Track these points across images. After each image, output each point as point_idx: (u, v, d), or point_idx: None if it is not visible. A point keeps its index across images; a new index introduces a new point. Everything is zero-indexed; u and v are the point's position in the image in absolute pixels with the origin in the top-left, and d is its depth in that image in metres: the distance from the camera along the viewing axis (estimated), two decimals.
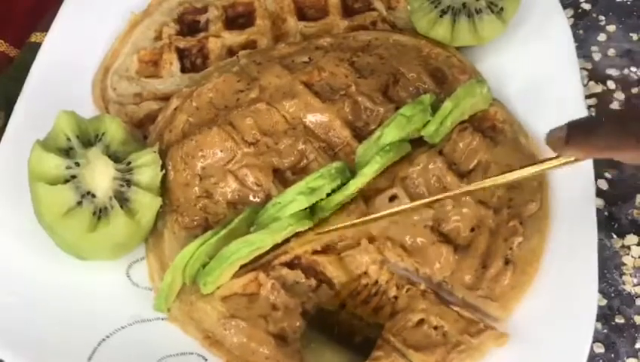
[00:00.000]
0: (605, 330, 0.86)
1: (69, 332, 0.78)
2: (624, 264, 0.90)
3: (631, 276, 0.90)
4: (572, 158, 0.69)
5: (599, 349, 0.84)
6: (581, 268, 0.80)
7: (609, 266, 0.90)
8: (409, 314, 0.77)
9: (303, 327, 0.76)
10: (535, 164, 0.74)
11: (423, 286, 0.79)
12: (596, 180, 0.89)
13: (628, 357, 0.84)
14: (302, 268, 0.80)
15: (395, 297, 0.79)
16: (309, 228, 0.81)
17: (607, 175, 0.97)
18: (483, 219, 0.82)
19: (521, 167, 0.75)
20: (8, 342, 0.77)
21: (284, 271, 0.79)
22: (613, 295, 0.88)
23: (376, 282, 0.80)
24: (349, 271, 0.80)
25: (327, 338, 0.74)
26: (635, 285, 0.89)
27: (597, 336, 0.85)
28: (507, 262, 0.80)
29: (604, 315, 0.86)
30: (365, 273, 0.81)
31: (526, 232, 0.82)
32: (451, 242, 0.81)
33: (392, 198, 0.82)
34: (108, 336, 0.78)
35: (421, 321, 0.77)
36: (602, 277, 0.88)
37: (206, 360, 0.77)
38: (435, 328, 0.77)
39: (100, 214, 0.79)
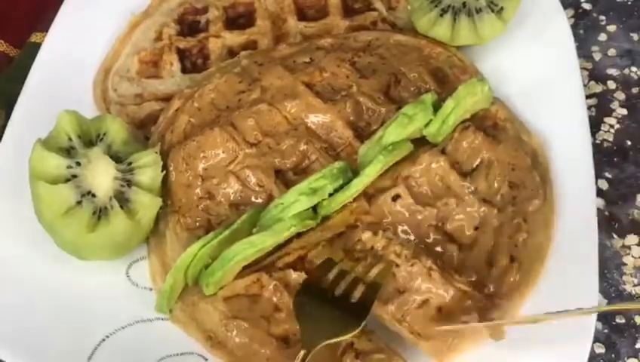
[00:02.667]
0: (606, 330, 0.86)
1: (69, 332, 0.78)
2: (624, 264, 0.90)
3: (631, 276, 0.90)
4: None
5: (600, 349, 0.84)
6: (581, 268, 0.80)
7: (609, 266, 0.90)
8: (413, 294, 0.77)
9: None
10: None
11: (429, 264, 0.78)
12: (596, 180, 0.89)
13: (628, 357, 0.84)
14: (306, 271, 0.80)
15: (397, 265, 0.78)
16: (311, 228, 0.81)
17: (608, 175, 0.97)
18: (487, 218, 0.82)
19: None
20: (8, 341, 0.77)
21: (288, 272, 0.79)
22: (613, 295, 0.88)
23: (372, 248, 0.80)
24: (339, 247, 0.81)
25: (322, 301, 0.74)
26: (635, 285, 0.89)
27: (597, 336, 0.85)
28: (512, 259, 0.80)
29: (604, 315, 0.86)
30: (359, 240, 0.80)
31: (530, 228, 0.82)
32: (455, 241, 0.81)
33: (395, 198, 0.82)
34: (108, 336, 0.78)
35: (425, 301, 0.77)
36: (603, 277, 0.89)
37: (206, 360, 0.77)
38: (439, 310, 0.76)
39: (100, 214, 0.79)
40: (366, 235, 0.80)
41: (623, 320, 0.86)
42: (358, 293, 0.76)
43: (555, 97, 0.93)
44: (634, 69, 1.07)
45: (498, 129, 0.89)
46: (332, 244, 0.81)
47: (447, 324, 0.75)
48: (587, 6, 1.14)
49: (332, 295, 0.76)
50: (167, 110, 0.92)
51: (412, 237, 0.82)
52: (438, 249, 0.81)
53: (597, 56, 1.08)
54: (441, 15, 0.95)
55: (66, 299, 0.80)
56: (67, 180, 0.79)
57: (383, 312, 0.77)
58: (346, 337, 0.73)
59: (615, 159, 0.99)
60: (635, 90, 1.05)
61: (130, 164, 0.82)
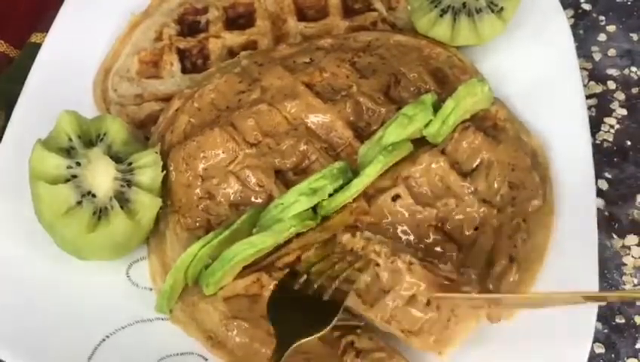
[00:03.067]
0: (606, 330, 0.86)
1: (69, 332, 0.78)
2: (624, 264, 0.91)
3: (631, 276, 0.90)
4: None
5: (599, 349, 0.84)
6: (581, 268, 0.80)
7: (609, 266, 0.90)
8: (398, 292, 0.75)
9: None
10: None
11: (408, 258, 0.76)
12: (596, 180, 0.89)
13: (628, 357, 0.84)
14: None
15: (376, 264, 0.77)
16: (311, 228, 0.81)
17: (608, 175, 0.97)
18: (487, 218, 0.82)
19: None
20: (8, 341, 0.77)
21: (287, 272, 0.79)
22: None
23: (352, 250, 0.79)
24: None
25: (295, 303, 0.74)
26: (635, 285, 0.89)
27: (597, 336, 0.85)
28: (511, 259, 0.80)
29: (604, 315, 0.86)
30: (339, 243, 0.80)
31: (530, 229, 0.82)
32: (455, 241, 0.81)
33: (395, 198, 0.82)
34: (108, 336, 0.78)
35: (412, 297, 0.75)
36: (603, 277, 0.89)
37: (206, 360, 0.77)
38: (428, 303, 0.75)
39: (100, 214, 0.79)
40: (345, 237, 0.80)
41: (623, 320, 0.86)
42: (329, 291, 0.75)
43: (555, 97, 0.93)
44: (634, 69, 1.07)
45: (498, 129, 0.89)
46: (326, 246, 0.81)
47: (447, 296, 0.75)
48: (587, 6, 1.14)
49: (305, 295, 0.75)
50: (167, 110, 0.93)
51: (412, 237, 0.82)
52: (438, 249, 0.81)
53: (597, 57, 1.08)
54: (441, 15, 0.95)
55: (66, 299, 0.80)
56: (67, 180, 0.79)
57: (371, 314, 0.76)
58: (318, 335, 0.72)
59: (615, 159, 0.99)
60: (634, 91, 1.05)
61: (130, 164, 0.82)
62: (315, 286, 0.76)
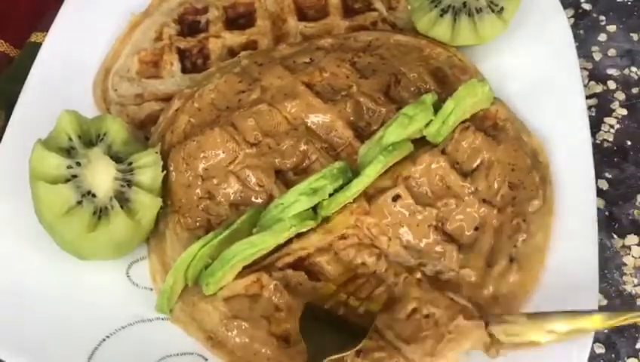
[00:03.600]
0: (606, 330, 0.86)
1: (69, 332, 0.78)
2: (625, 264, 0.91)
3: (631, 276, 0.90)
4: None
5: (600, 349, 0.84)
6: (581, 269, 0.80)
7: (610, 266, 0.90)
8: (404, 304, 0.77)
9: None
10: None
11: (419, 275, 0.79)
12: (596, 180, 0.89)
13: (628, 357, 0.84)
14: (305, 270, 0.80)
15: (395, 284, 0.79)
16: (312, 229, 0.81)
17: (608, 175, 0.97)
18: (487, 218, 0.82)
19: None
20: (8, 341, 0.77)
21: (288, 272, 0.79)
22: (613, 295, 0.88)
23: (374, 272, 0.80)
24: (346, 264, 0.81)
25: (324, 322, 0.75)
26: (635, 285, 0.89)
27: (597, 336, 0.85)
28: (512, 259, 0.80)
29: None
30: (363, 264, 0.81)
31: (530, 229, 0.82)
32: (455, 241, 0.81)
33: (396, 198, 0.82)
34: (108, 336, 0.78)
35: (414, 310, 0.77)
36: (603, 277, 0.89)
37: (206, 360, 0.77)
38: (427, 316, 0.76)
39: (100, 214, 0.79)
40: (370, 260, 0.81)
41: None
42: (358, 314, 0.76)
43: (555, 97, 0.93)
44: (634, 69, 1.07)
45: (498, 129, 0.89)
46: (338, 254, 0.81)
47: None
48: (587, 6, 1.14)
49: (335, 314, 0.76)
50: (167, 110, 0.93)
51: (411, 238, 0.82)
52: (438, 249, 0.81)
53: (597, 56, 1.08)
54: (442, 15, 0.95)
55: (66, 299, 0.80)
56: (67, 180, 0.79)
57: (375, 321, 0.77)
58: (348, 353, 0.73)
59: (615, 159, 0.99)
60: (635, 90, 1.05)
61: (130, 164, 0.82)
62: (345, 306, 0.77)
